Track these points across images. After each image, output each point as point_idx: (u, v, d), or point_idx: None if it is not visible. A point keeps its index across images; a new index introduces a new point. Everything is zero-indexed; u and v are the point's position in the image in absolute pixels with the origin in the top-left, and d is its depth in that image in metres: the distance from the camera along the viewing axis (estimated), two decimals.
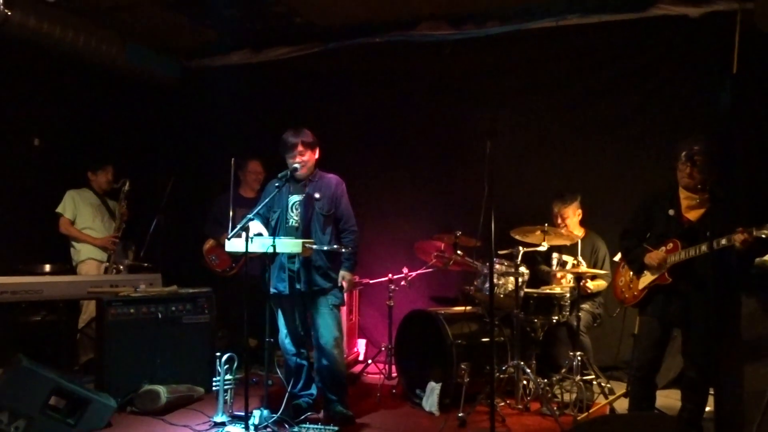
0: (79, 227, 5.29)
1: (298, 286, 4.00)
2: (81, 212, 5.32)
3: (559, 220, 4.85)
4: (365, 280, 5.41)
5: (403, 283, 5.11)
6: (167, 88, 6.51)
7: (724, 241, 3.25)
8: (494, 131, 3.60)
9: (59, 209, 5.26)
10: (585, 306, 4.75)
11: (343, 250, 4.05)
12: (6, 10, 4.30)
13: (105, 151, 5.71)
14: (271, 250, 3.76)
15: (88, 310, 5.17)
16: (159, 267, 5.29)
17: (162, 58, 6.34)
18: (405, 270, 5.15)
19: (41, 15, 5.05)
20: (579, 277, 4.53)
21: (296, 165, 4.04)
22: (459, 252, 4.69)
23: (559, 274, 4.85)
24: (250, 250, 3.66)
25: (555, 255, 4.89)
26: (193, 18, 5.69)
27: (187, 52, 6.46)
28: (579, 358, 4.33)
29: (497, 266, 4.35)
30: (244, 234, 3.64)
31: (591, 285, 4.72)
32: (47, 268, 5.14)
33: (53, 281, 4.66)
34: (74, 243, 5.31)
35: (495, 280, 4.28)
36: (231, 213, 3.87)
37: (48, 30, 5.13)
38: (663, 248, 3.56)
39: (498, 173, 3.58)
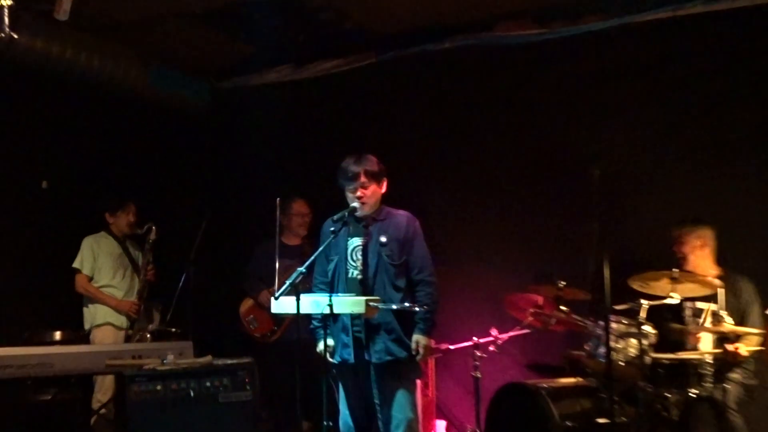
0: (97, 284, 5.39)
1: (366, 356, 3.91)
2: (100, 266, 5.43)
3: (676, 248, 4.72)
4: (444, 346, 5.25)
5: (491, 348, 4.98)
6: (195, 115, 6.66)
7: None
8: (599, 154, 3.52)
9: (76, 264, 5.40)
10: (734, 375, 4.48)
11: (417, 309, 3.95)
12: (12, 33, 4.41)
13: (125, 192, 5.83)
14: (327, 311, 3.72)
15: (104, 386, 5.22)
16: (189, 332, 5.30)
17: (189, 80, 6.52)
18: (494, 332, 5.00)
19: (50, 36, 5.20)
20: (723, 338, 4.30)
21: (355, 204, 4.01)
22: (562, 308, 4.66)
23: (697, 334, 4.55)
24: (301, 311, 3.65)
25: (688, 304, 4.63)
26: (226, 32, 5.83)
27: (218, 72, 6.62)
28: None
29: (614, 325, 4.31)
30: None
31: (743, 349, 4.39)
32: (58, 335, 5.24)
33: (66, 352, 4.66)
34: (89, 303, 5.39)
35: (612, 344, 4.18)
36: (276, 265, 3.86)
37: (58, 53, 5.28)
38: None
39: (608, 207, 3.56)
